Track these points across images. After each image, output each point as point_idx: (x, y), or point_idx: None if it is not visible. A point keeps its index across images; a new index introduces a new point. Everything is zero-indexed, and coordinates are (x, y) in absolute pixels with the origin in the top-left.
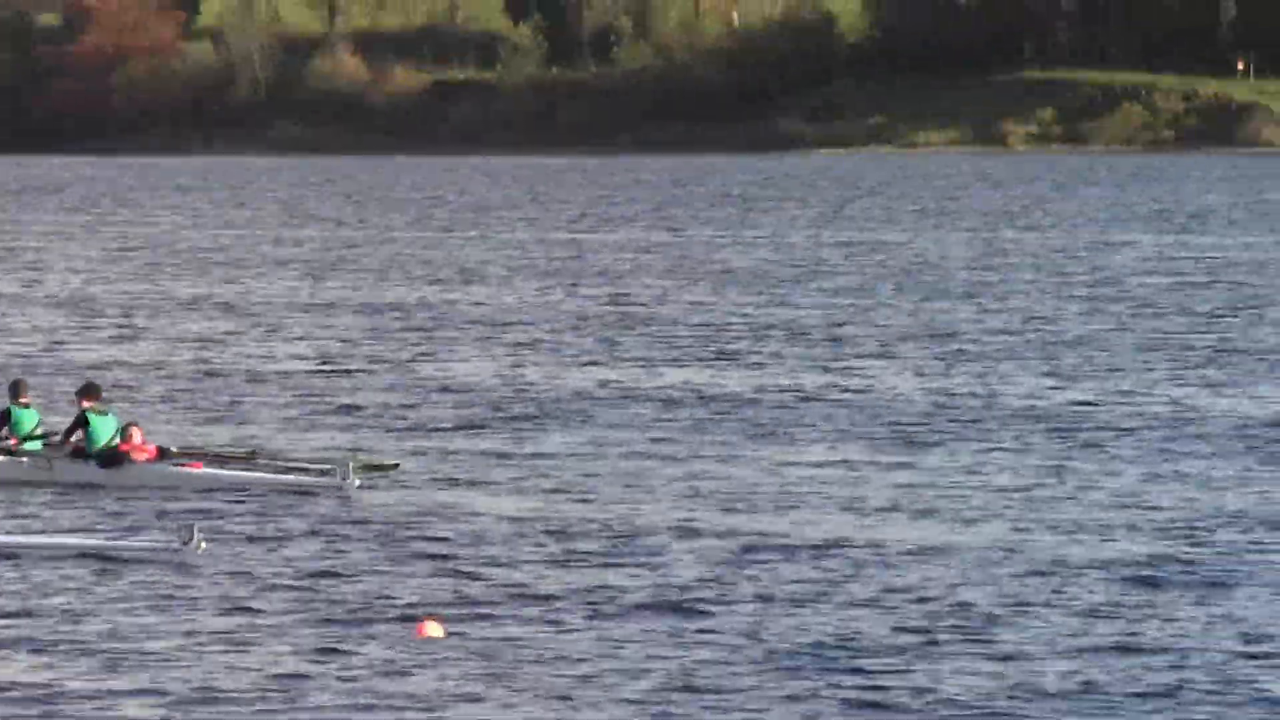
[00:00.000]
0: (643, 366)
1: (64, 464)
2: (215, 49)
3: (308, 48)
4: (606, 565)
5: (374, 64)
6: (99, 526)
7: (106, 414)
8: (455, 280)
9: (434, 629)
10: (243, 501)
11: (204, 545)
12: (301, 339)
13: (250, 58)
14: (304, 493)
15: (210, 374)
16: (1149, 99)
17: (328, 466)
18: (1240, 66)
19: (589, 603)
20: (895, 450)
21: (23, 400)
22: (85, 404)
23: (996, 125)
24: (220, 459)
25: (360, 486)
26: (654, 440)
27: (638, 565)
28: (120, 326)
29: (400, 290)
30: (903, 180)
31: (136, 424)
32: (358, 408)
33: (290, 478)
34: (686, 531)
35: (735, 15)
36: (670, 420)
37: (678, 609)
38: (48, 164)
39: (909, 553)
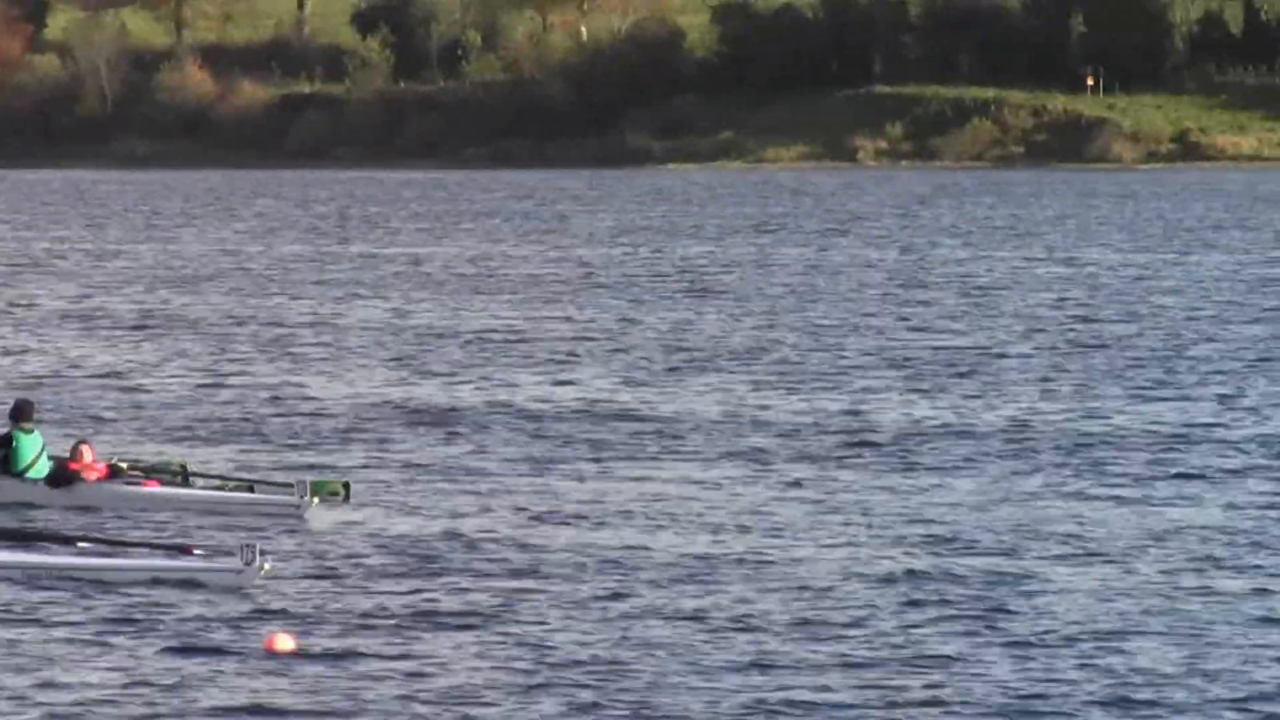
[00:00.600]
0: (472, 383)
1: (10, 484)
2: (62, 62)
3: (155, 61)
4: (462, 578)
5: (221, 77)
6: (138, 547)
7: (33, 432)
8: (308, 295)
9: (284, 642)
10: (203, 521)
11: (267, 566)
12: (160, 352)
13: (97, 71)
14: (263, 512)
15: (80, 390)
16: (998, 114)
17: (288, 484)
18: (1090, 82)
19: (432, 616)
20: (726, 466)
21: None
22: (17, 424)
23: (846, 140)
24: (174, 476)
25: (318, 505)
26: (502, 455)
27: (475, 579)
28: None
29: (251, 305)
30: (754, 196)
31: (87, 442)
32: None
33: (248, 496)
34: (522, 542)
35: (584, 30)
36: (515, 436)
37: (502, 620)
38: None
39: (741, 567)
